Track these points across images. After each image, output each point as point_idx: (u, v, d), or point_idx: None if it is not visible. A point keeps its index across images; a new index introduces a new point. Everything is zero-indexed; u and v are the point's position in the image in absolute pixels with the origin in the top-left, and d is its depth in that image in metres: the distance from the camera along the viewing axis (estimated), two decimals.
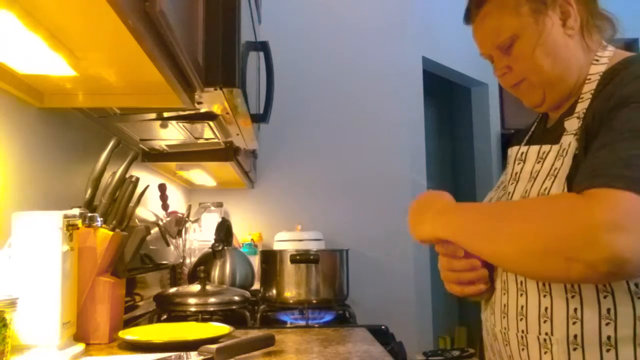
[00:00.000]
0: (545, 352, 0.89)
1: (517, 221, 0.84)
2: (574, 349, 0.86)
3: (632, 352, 0.84)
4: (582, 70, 0.99)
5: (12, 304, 0.86)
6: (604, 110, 0.87)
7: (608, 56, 0.98)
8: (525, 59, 1.01)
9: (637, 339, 0.84)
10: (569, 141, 0.92)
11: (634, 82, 0.87)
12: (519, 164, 1.00)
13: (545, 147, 0.96)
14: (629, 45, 3.60)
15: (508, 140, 3.81)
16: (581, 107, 0.94)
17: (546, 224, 0.79)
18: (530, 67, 1.01)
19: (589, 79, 0.97)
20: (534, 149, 0.98)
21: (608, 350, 0.84)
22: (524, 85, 1.03)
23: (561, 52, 0.99)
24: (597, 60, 0.98)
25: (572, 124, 0.94)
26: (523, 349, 0.92)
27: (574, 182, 0.84)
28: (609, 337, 0.84)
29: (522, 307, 0.93)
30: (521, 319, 0.93)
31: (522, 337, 0.92)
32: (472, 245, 0.93)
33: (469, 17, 1.08)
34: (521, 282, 0.93)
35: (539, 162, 0.96)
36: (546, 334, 0.88)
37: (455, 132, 4.46)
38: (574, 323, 0.86)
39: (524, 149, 1.01)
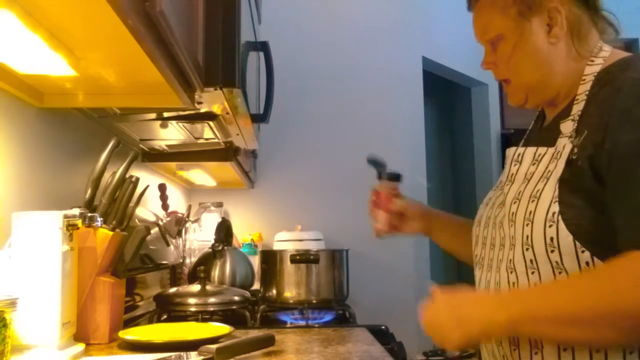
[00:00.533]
0: (536, 353, 0.90)
1: (606, 302, 0.78)
2: (564, 350, 0.87)
3: (621, 353, 0.84)
4: (569, 75, 0.98)
5: (12, 304, 0.86)
6: (615, 127, 0.85)
7: (603, 57, 0.98)
8: (505, 60, 1.02)
9: None
10: (564, 144, 0.92)
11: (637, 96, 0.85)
12: (515, 165, 1.01)
13: (542, 150, 0.96)
14: (628, 45, 3.59)
15: (508, 140, 3.82)
16: (576, 109, 0.94)
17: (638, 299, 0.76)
18: (509, 69, 1.03)
19: (584, 80, 0.96)
20: (530, 150, 0.98)
21: (597, 351, 0.84)
22: (508, 85, 1.05)
23: (541, 58, 0.99)
24: (592, 61, 0.98)
25: (567, 127, 0.93)
26: (515, 349, 0.93)
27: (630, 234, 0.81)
28: None
29: None
30: None
31: (513, 337, 0.93)
32: (552, 334, 0.83)
33: (469, 5, 1.10)
34: (513, 284, 0.94)
35: (534, 164, 0.96)
36: None
37: (455, 132, 4.46)
38: None
39: (520, 150, 1.01)
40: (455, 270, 4.15)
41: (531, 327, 0.82)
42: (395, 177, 1.33)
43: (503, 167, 1.11)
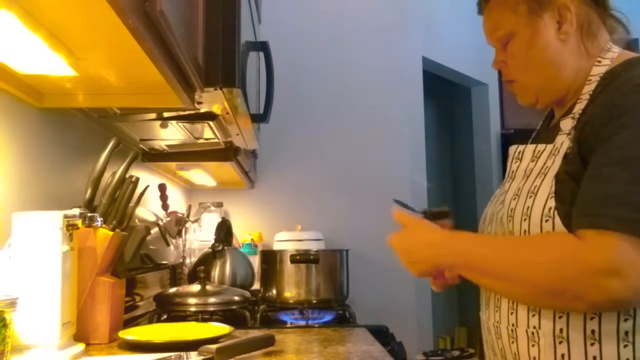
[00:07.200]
0: (533, 345, 0.91)
1: (524, 263, 0.87)
2: (560, 342, 0.89)
3: (615, 346, 0.86)
4: (579, 73, 0.99)
5: (12, 304, 0.86)
6: (600, 120, 0.87)
7: (611, 57, 0.98)
8: (517, 57, 1.03)
9: (620, 333, 0.86)
10: (562, 140, 0.94)
11: (631, 93, 0.86)
12: (515, 162, 1.03)
13: (540, 147, 0.98)
14: (629, 45, 3.59)
15: (508, 140, 3.82)
16: (578, 107, 0.95)
17: (551, 268, 0.83)
18: (521, 66, 1.03)
19: (590, 80, 0.97)
20: (530, 147, 1.00)
21: (592, 344, 0.86)
22: (516, 84, 1.06)
23: (552, 55, 0.99)
24: (599, 62, 0.98)
25: (567, 124, 0.95)
26: (513, 342, 0.95)
27: (574, 213, 0.85)
28: (593, 331, 0.86)
29: (513, 301, 0.95)
30: (512, 313, 0.95)
31: (512, 330, 0.95)
32: (479, 280, 0.96)
33: (479, 8, 1.11)
34: None
35: (533, 160, 0.98)
36: (534, 327, 0.91)
37: (455, 132, 4.46)
38: (560, 317, 0.89)
39: (521, 147, 1.03)
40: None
41: (468, 274, 0.95)
42: (442, 215, 1.13)
43: (503, 167, 1.11)
